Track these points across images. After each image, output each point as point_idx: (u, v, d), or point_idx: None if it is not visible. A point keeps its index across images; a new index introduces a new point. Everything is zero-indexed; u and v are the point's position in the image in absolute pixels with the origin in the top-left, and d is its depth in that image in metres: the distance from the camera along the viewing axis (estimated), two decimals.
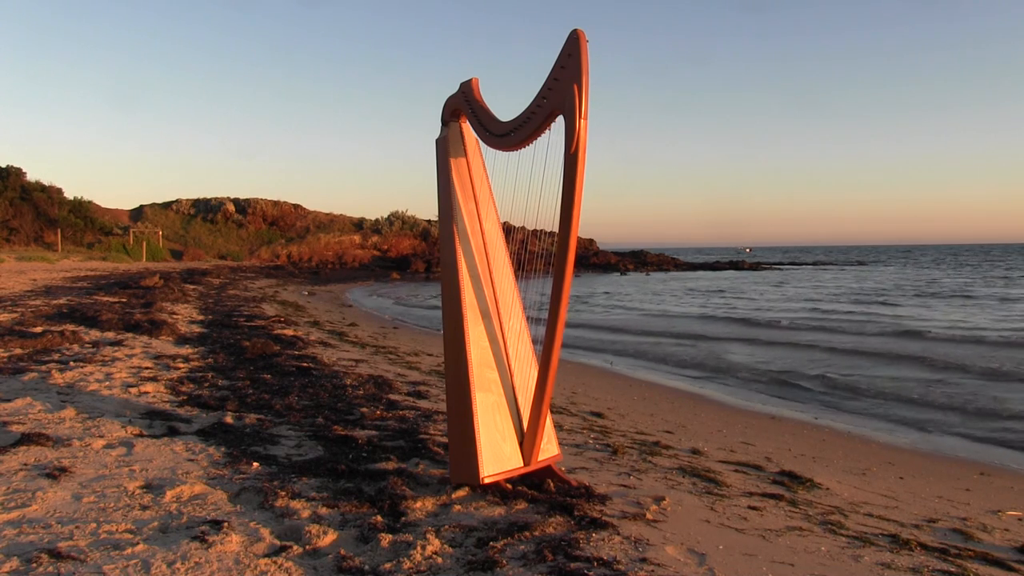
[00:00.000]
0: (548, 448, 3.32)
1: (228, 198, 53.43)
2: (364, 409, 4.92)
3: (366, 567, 2.44)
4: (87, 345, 7.33)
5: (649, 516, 3.06)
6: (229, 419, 4.44)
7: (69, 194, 43.90)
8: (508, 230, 3.63)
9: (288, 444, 3.99)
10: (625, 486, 3.55)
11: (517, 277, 3.55)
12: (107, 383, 5.44)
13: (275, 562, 2.45)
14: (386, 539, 2.64)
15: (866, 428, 6.64)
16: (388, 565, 2.44)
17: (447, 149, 3.52)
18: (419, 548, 2.55)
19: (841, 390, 8.60)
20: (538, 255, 3.32)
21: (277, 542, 2.61)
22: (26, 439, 3.74)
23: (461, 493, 3.15)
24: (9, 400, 4.68)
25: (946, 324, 15.97)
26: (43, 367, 5.93)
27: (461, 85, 3.38)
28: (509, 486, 3.21)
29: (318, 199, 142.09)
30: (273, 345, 7.78)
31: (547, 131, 2.86)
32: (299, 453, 3.81)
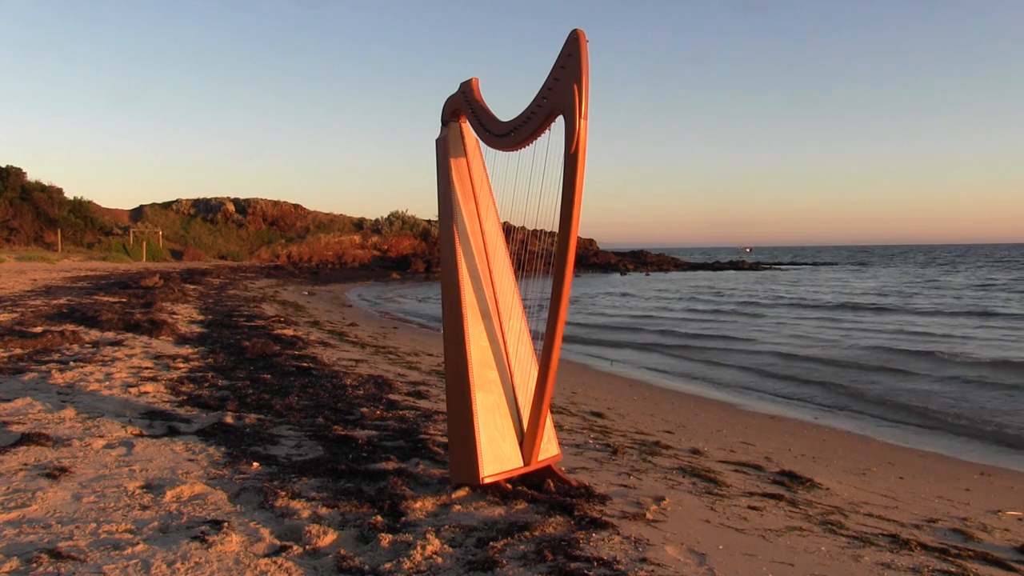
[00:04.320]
0: (548, 448, 3.32)
1: (228, 198, 53.44)
2: (364, 409, 4.92)
3: (366, 567, 2.44)
4: (87, 345, 7.32)
5: (649, 516, 3.06)
6: (229, 419, 4.44)
7: (69, 194, 44.02)
8: (508, 230, 3.62)
9: (288, 444, 3.99)
10: (625, 486, 3.54)
11: (517, 277, 3.55)
12: (107, 383, 5.44)
13: (275, 562, 2.45)
14: (386, 539, 2.64)
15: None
16: (388, 565, 2.44)
17: (447, 149, 3.51)
18: (419, 548, 2.55)
19: None
20: (538, 255, 3.31)
21: (277, 542, 2.61)
22: (26, 439, 3.74)
23: (461, 493, 3.15)
24: (9, 400, 4.68)
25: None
26: (43, 367, 5.93)
27: (461, 85, 3.38)
28: (509, 486, 3.21)
29: (318, 199, 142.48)
30: (273, 345, 7.79)
31: (547, 131, 2.86)
32: (299, 453, 3.81)
